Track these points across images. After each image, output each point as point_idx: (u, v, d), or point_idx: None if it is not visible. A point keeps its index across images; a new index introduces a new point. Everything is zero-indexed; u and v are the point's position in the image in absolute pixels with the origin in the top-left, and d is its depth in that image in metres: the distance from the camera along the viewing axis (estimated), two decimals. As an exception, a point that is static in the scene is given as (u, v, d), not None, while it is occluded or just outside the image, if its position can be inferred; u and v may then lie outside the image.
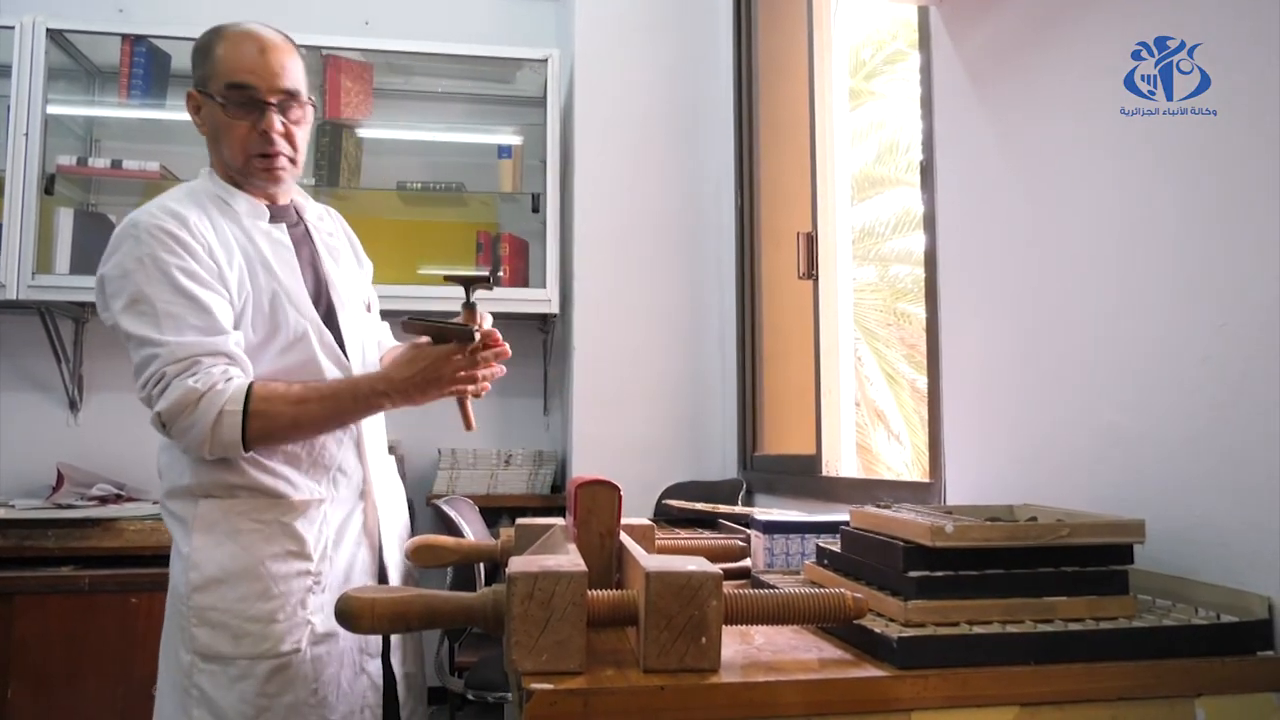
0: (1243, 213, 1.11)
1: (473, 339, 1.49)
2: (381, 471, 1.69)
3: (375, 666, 1.62)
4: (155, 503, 3.10)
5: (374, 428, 1.67)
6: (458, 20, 3.69)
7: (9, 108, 3.02)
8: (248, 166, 1.58)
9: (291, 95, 1.58)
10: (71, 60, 3.32)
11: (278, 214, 1.64)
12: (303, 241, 1.65)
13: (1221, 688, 0.95)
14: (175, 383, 1.41)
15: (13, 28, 3.04)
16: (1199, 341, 1.16)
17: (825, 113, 2.60)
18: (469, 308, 1.54)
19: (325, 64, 3.34)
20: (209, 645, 1.48)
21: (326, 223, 1.76)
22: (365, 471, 1.63)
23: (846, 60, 2.73)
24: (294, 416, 1.47)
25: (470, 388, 1.54)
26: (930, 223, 1.82)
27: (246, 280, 1.53)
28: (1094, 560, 1.03)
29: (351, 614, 0.94)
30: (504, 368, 1.58)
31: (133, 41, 3.22)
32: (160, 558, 2.63)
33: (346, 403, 1.52)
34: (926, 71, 1.84)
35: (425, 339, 1.53)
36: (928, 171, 1.82)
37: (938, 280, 1.79)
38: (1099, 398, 1.34)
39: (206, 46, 1.59)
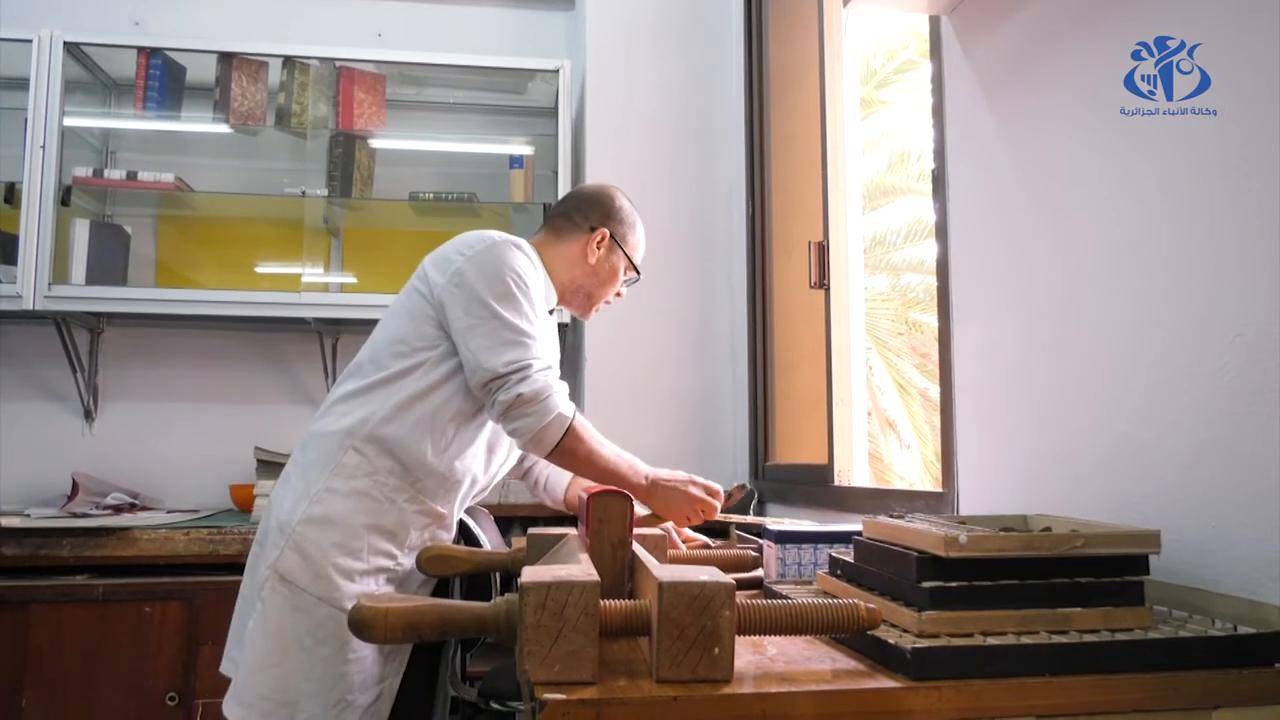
0: (1256, 218, 1.10)
1: (725, 499, 1.83)
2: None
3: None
4: (169, 511, 3.13)
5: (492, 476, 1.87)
6: (469, 32, 3.70)
7: (27, 120, 3.04)
8: (592, 305, 1.98)
9: None
10: (88, 73, 3.34)
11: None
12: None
13: (1238, 700, 0.94)
14: (537, 375, 1.63)
15: (30, 41, 3.06)
16: (1215, 350, 1.15)
17: (836, 121, 2.60)
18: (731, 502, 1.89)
19: (338, 76, 3.35)
20: (290, 570, 1.61)
21: None
22: (466, 503, 1.83)
23: (857, 69, 2.72)
24: (590, 453, 1.69)
25: (683, 526, 1.81)
26: (942, 231, 1.82)
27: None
28: (1109, 571, 1.03)
29: (364, 623, 0.94)
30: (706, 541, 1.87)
31: (149, 54, 3.23)
32: (174, 567, 2.67)
33: (625, 466, 1.74)
34: (938, 80, 1.83)
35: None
36: (939, 180, 1.82)
37: (950, 289, 1.79)
38: (1113, 407, 1.33)
39: (634, 222, 1.99)
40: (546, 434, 1.63)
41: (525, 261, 1.74)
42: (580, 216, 1.94)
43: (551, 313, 1.92)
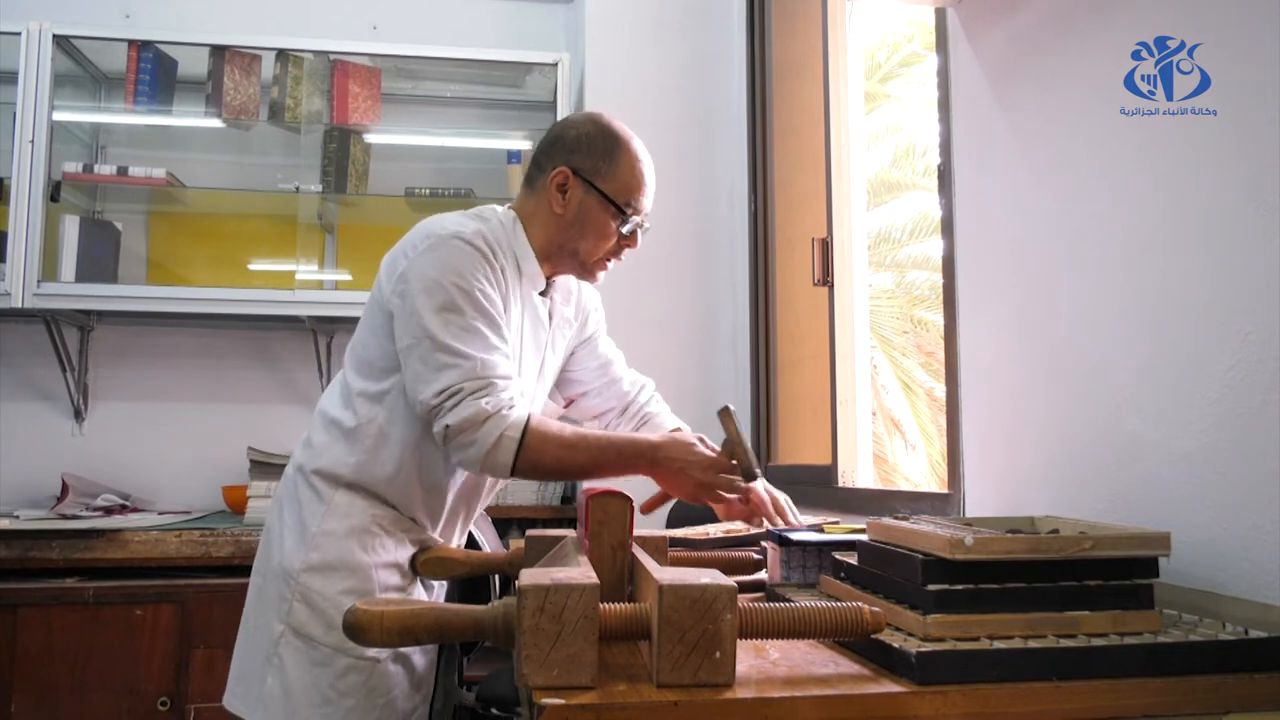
0: (1263, 216, 1.09)
1: (755, 477, 1.57)
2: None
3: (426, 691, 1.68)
4: (161, 513, 3.11)
5: (487, 495, 1.79)
6: (466, 24, 3.68)
7: (15, 114, 3.01)
8: (591, 262, 1.66)
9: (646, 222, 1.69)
10: (78, 66, 3.31)
11: (546, 289, 1.70)
12: (547, 321, 1.73)
13: (1250, 704, 0.93)
14: (468, 401, 1.45)
15: (19, 33, 3.03)
16: (1225, 349, 1.15)
17: (840, 116, 2.59)
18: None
19: (333, 69, 3.33)
20: (303, 624, 1.53)
21: (569, 304, 1.81)
22: (467, 525, 1.79)
23: (861, 63, 2.71)
24: (559, 458, 1.50)
25: (715, 502, 1.59)
26: (948, 227, 1.80)
27: (508, 335, 1.58)
28: (1118, 574, 1.02)
29: (360, 626, 0.93)
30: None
31: (139, 47, 3.21)
32: (164, 569, 2.65)
33: (610, 456, 1.54)
34: (944, 74, 1.82)
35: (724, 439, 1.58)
36: (945, 175, 1.80)
37: (956, 286, 1.78)
38: (1122, 406, 1.32)
39: (611, 148, 1.63)
40: (495, 458, 1.46)
41: (473, 259, 1.53)
42: (545, 158, 1.66)
43: (544, 294, 1.69)
